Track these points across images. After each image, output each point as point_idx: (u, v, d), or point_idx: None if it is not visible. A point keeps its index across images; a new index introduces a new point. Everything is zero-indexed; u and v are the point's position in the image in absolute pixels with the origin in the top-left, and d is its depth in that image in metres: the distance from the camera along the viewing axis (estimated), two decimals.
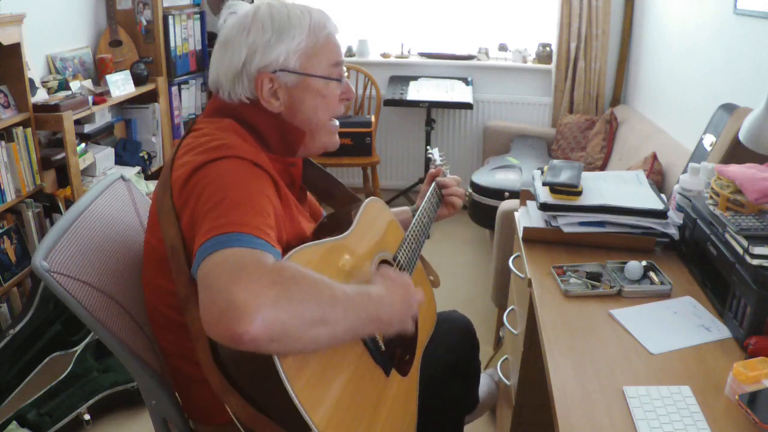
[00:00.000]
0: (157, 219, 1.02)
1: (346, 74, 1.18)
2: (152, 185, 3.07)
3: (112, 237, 1.21)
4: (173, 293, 1.00)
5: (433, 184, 1.52)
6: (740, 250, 1.19)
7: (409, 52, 4.13)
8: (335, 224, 1.16)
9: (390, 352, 1.13)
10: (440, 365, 1.38)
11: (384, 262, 1.20)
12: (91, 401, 2.07)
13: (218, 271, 0.80)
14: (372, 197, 1.28)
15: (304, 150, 1.17)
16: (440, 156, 1.66)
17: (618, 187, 1.65)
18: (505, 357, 1.90)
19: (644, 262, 1.40)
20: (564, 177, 1.60)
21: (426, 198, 1.46)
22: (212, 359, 0.91)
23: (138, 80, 3.21)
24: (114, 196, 1.29)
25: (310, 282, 0.84)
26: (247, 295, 0.76)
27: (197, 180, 0.95)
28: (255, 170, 0.98)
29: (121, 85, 3.06)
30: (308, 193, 1.29)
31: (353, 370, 0.98)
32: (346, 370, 0.96)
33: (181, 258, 0.96)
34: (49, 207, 2.61)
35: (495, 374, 1.88)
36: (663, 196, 1.59)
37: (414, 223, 1.36)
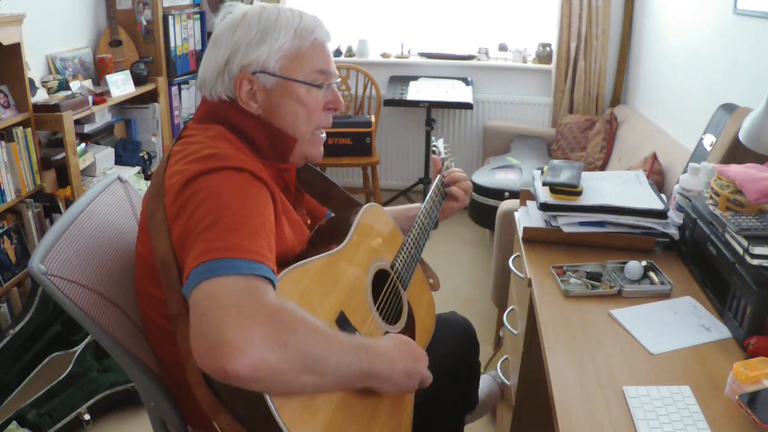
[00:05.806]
0: (147, 228, 0.99)
1: (338, 80, 1.14)
2: None
3: (110, 239, 1.20)
4: (165, 302, 0.98)
5: (436, 181, 1.46)
6: (740, 250, 1.18)
7: (409, 52, 4.13)
8: (334, 231, 1.14)
9: None
10: (440, 369, 1.36)
11: (381, 271, 1.19)
12: (91, 401, 2.07)
13: (213, 301, 0.78)
14: (370, 203, 1.26)
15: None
16: (445, 148, 1.60)
17: (618, 187, 1.65)
18: (505, 357, 1.90)
19: (644, 262, 1.40)
20: (564, 177, 1.60)
21: (428, 197, 1.42)
22: (203, 378, 0.90)
23: (138, 80, 3.21)
24: (111, 198, 1.28)
25: (307, 329, 0.83)
26: (239, 332, 0.75)
27: (191, 193, 0.91)
28: (253, 183, 0.95)
29: (121, 85, 3.06)
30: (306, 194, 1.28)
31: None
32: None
33: (173, 273, 0.94)
34: (49, 207, 2.61)
35: (497, 376, 1.87)
36: (663, 196, 1.59)
37: (414, 227, 1.34)
